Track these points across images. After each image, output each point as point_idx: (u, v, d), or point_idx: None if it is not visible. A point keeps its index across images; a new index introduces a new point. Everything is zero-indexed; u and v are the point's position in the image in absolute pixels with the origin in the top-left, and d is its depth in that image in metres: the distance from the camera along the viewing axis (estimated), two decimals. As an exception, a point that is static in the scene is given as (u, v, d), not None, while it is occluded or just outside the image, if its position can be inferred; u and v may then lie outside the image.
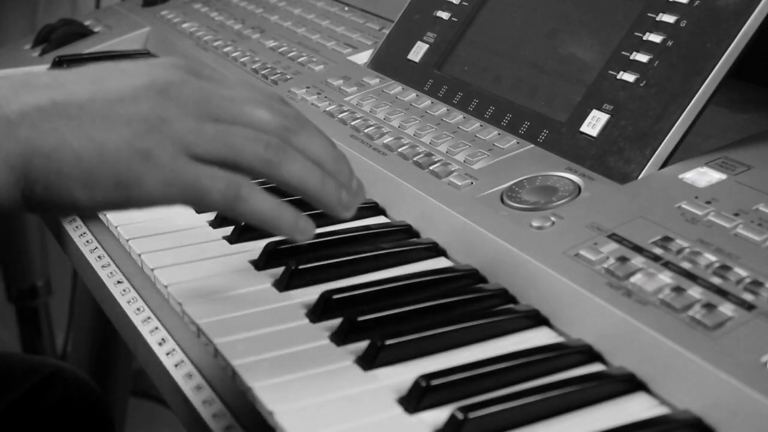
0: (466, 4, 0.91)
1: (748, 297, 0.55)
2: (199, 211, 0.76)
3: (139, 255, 0.71)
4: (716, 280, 0.57)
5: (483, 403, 0.52)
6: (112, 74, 0.56)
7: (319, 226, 0.74)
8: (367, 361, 0.57)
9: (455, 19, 0.91)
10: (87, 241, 0.79)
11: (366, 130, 0.84)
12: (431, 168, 0.76)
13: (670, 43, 0.72)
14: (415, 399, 0.53)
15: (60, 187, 0.52)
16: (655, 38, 0.73)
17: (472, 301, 0.63)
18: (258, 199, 0.55)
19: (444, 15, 0.93)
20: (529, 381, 0.55)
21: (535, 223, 0.66)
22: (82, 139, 0.52)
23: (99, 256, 0.77)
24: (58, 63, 1.16)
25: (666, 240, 0.61)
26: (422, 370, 0.55)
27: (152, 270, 0.68)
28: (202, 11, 1.28)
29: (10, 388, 1.01)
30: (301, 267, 0.66)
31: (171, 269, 0.68)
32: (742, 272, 0.57)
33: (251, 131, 0.56)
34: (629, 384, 0.55)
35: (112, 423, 1.10)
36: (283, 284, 0.65)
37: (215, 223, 0.76)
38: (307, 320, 0.62)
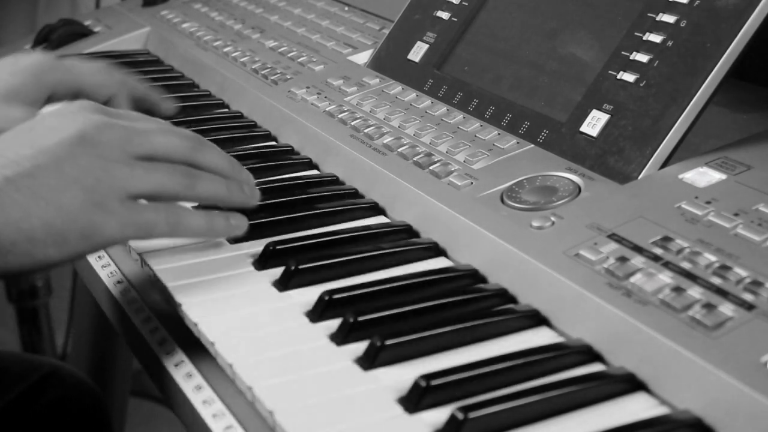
0: (466, 4, 0.91)
1: (748, 297, 0.55)
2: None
3: (140, 254, 0.71)
4: (716, 280, 0.57)
5: (483, 403, 0.52)
6: (43, 133, 0.63)
7: (320, 225, 0.74)
8: (367, 361, 0.57)
9: (455, 19, 0.91)
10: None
11: (366, 130, 0.84)
12: (431, 168, 0.76)
13: (670, 43, 0.72)
14: (415, 399, 0.53)
15: (32, 250, 0.59)
16: (655, 38, 0.73)
17: (471, 301, 0.63)
18: (193, 218, 0.66)
19: (444, 15, 0.93)
20: (529, 381, 0.55)
21: (535, 223, 0.66)
22: (42, 205, 0.59)
23: (99, 256, 0.77)
24: (58, 63, 1.16)
25: (666, 240, 0.61)
26: (422, 370, 0.55)
27: (151, 268, 0.68)
28: (202, 11, 1.28)
29: (7, 387, 1.01)
30: (300, 267, 0.65)
31: (170, 266, 0.68)
32: (742, 272, 0.57)
33: (169, 165, 0.66)
34: (629, 384, 0.55)
35: (109, 421, 1.10)
36: (283, 284, 0.65)
37: None
38: (306, 320, 0.62)
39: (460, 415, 0.50)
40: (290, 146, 0.90)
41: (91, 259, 0.77)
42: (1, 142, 0.63)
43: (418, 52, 0.93)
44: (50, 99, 0.87)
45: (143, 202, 0.64)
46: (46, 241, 0.59)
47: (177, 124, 0.94)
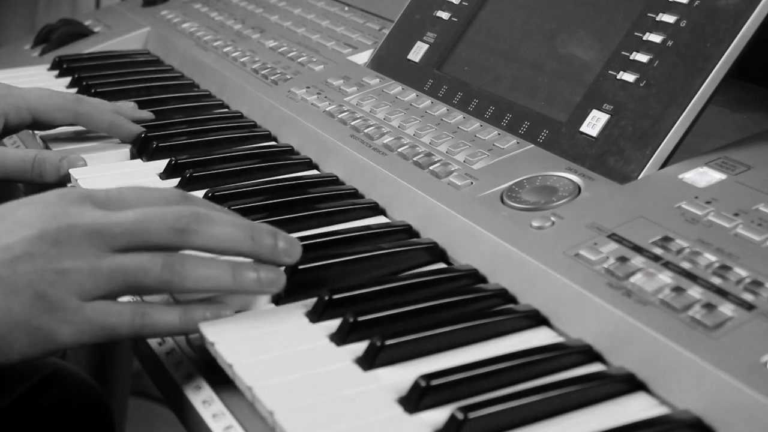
0: (466, 4, 0.91)
1: (748, 297, 0.55)
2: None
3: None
4: (716, 280, 0.57)
5: (483, 403, 0.52)
6: (10, 226, 0.58)
7: (320, 225, 0.74)
8: (367, 361, 0.57)
9: (455, 19, 0.91)
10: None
11: (366, 130, 0.84)
12: (431, 168, 0.76)
13: (670, 43, 0.72)
14: (415, 399, 0.53)
15: None
16: (655, 38, 0.73)
17: (471, 301, 0.63)
18: (163, 314, 0.59)
19: (444, 15, 0.93)
20: (529, 381, 0.55)
21: (535, 223, 0.66)
22: None
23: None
24: (58, 63, 1.16)
25: (666, 240, 0.61)
26: (422, 370, 0.55)
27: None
28: (202, 11, 1.28)
29: (9, 387, 1.01)
30: (300, 267, 0.65)
31: None
32: (742, 272, 0.57)
33: (144, 255, 0.58)
34: (629, 384, 0.55)
35: (112, 422, 1.10)
36: (283, 284, 0.65)
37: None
38: (307, 320, 0.62)
39: (460, 415, 0.50)
40: (290, 146, 0.90)
41: None
42: None
43: (418, 52, 0.93)
44: (6, 126, 0.88)
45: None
46: None
47: (177, 125, 0.94)
